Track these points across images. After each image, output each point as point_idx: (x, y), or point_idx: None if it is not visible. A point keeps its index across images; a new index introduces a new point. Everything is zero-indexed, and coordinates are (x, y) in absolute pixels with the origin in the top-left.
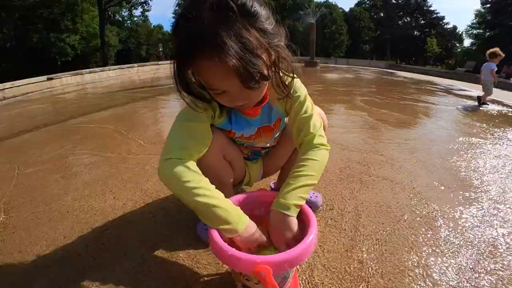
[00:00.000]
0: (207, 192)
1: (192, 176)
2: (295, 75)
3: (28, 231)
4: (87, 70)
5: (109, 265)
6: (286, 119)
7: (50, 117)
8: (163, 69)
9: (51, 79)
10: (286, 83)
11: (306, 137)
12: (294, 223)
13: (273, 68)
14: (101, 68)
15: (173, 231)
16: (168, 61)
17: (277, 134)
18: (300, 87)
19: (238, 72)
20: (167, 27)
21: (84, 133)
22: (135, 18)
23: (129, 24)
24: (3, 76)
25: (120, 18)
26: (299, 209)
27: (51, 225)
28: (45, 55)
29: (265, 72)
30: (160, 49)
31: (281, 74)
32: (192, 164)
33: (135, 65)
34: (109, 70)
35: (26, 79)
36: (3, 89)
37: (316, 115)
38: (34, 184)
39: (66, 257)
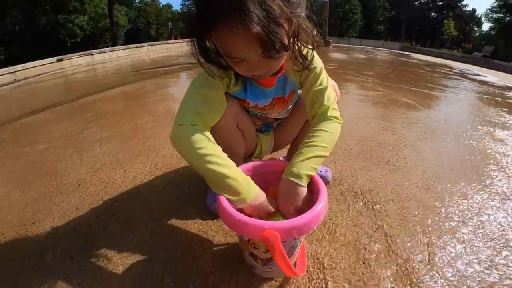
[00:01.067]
0: (219, 160)
1: (205, 143)
2: (313, 47)
3: (41, 204)
4: (97, 50)
5: (119, 236)
6: (299, 91)
7: (61, 97)
8: (173, 49)
9: (61, 60)
10: (305, 54)
11: (319, 109)
12: (304, 193)
13: (292, 39)
14: (110, 48)
15: (182, 203)
16: (178, 40)
17: (290, 106)
18: (316, 59)
19: (260, 40)
20: (176, 6)
21: (95, 111)
22: None
23: (137, 4)
24: (14, 59)
25: None
26: (309, 180)
27: (63, 198)
28: (54, 36)
29: (286, 42)
30: (170, 27)
31: (300, 45)
32: (206, 131)
33: (145, 44)
34: (119, 50)
35: (37, 61)
36: (14, 71)
37: (331, 87)
38: (46, 159)
39: (77, 228)
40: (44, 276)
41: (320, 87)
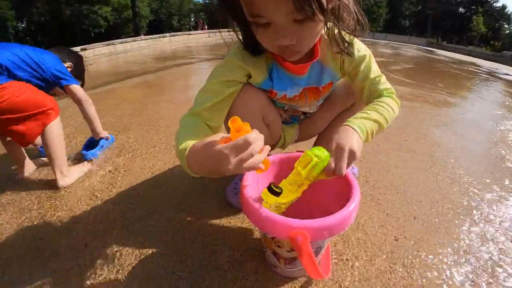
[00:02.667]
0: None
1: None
2: (355, 32)
3: (58, 190)
4: (119, 40)
5: (136, 225)
6: (341, 80)
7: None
8: (195, 40)
9: (85, 49)
10: (344, 37)
11: (380, 92)
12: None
13: (332, 11)
14: (132, 38)
15: (201, 194)
16: (204, 31)
17: (322, 100)
18: (363, 47)
19: None
20: None
21: (115, 99)
22: None
23: None
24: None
25: None
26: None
27: (80, 184)
28: (78, 27)
29: (324, 2)
30: (192, 19)
31: (339, 23)
32: (196, 127)
33: (167, 35)
34: (141, 40)
35: None
36: None
37: (383, 75)
38: (65, 146)
39: (93, 215)
40: (58, 262)
41: (375, 75)
